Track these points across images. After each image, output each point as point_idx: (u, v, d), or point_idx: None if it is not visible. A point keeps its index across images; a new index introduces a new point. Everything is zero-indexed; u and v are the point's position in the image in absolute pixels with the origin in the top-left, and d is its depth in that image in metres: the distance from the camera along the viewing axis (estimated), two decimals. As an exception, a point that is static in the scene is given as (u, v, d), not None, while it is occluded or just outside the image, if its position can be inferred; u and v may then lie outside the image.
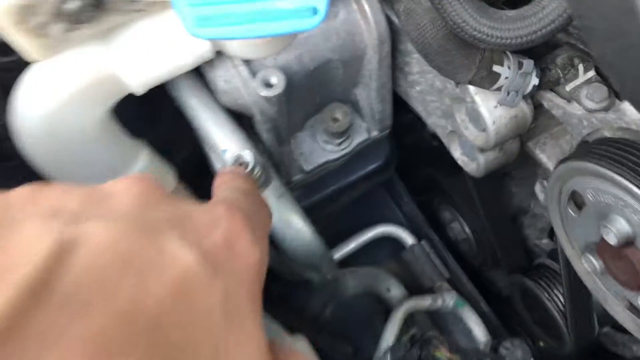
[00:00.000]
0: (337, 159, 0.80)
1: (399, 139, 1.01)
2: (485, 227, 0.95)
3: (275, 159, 0.74)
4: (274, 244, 0.72)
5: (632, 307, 0.68)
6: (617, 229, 0.60)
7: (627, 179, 0.57)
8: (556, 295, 0.88)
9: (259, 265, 0.33)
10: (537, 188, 0.98)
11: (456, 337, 0.95)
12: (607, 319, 0.92)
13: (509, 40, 0.53)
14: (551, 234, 1.00)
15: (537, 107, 0.74)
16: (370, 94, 0.75)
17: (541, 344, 1.01)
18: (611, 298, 0.70)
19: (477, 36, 0.54)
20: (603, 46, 0.46)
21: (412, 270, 0.93)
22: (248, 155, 0.61)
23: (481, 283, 1.08)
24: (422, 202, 1.10)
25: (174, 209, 0.32)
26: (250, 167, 0.61)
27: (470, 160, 0.82)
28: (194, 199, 0.80)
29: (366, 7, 0.65)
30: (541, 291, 0.89)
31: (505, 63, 0.64)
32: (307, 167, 0.78)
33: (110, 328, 0.23)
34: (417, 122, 0.97)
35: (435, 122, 0.81)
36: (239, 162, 0.62)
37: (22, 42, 0.49)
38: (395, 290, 0.91)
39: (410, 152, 1.03)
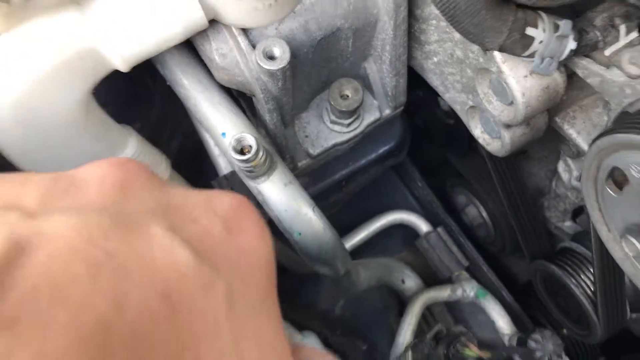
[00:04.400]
0: (346, 142, 0.72)
1: (409, 117, 0.94)
2: (505, 211, 0.88)
3: (279, 143, 0.67)
4: (280, 236, 0.65)
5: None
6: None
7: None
8: (584, 280, 0.82)
9: (269, 256, 0.29)
10: (561, 167, 0.91)
11: (475, 329, 0.88)
12: (638, 305, 0.86)
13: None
14: (574, 216, 0.93)
15: (567, 77, 0.66)
16: (382, 67, 0.67)
17: (564, 331, 0.95)
18: (656, 284, 0.63)
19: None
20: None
21: (427, 259, 0.86)
22: (250, 138, 0.53)
23: (496, 270, 1.01)
24: (432, 187, 1.03)
25: (160, 195, 0.27)
26: (253, 151, 0.53)
27: (492, 138, 0.75)
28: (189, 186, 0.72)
29: (380, -34, 0.57)
30: (567, 277, 0.83)
31: (540, 25, 0.56)
32: (314, 151, 0.71)
33: (71, 350, 0.18)
34: (429, 100, 0.90)
35: (453, 97, 0.74)
36: (241, 147, 0.55)
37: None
38: (410, 281, 0.84)
39: (421, 132, 0.95)
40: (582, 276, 0.83)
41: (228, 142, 0.55)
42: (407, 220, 0.89)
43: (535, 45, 0.56)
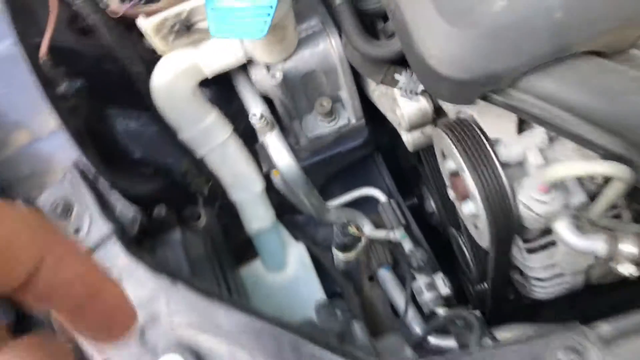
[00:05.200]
0: (328, 134, 1.33)
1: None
2: (436, 195, 1.42)
3: (288, 127, 1.31)
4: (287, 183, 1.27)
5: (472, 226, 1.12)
6: (449, 166, 1.08)
7: (450, 139, 1.05)
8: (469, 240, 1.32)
9: None
10: (472, 173, 1.43)
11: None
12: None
13: (380, 56, 1.06)
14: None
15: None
16: (345, 94, 1.29)
17: (480, 286, 1.43)
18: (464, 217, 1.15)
19: (366, 54, 1.07)
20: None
21: (382, 218, 1.42)
22: (258, 111, 1.18)
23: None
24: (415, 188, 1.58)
25: None
26: (259, 115, 1.18)
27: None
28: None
29: (333, 41, 1.20)
30: (459, 235, 1.34)
31: (403, 73, 1.14)
32: (310, 135, 1.33)
33: None
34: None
35: (391, 117, 1.31)
36: (257, 114, 1.19)
37: (157, 44, 1.11)
38: (366, 227, 1.40)
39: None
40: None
41: (251, 113, 1.20)
42: (372, 193, 1.46)
43: (401, 83, 1.14)
